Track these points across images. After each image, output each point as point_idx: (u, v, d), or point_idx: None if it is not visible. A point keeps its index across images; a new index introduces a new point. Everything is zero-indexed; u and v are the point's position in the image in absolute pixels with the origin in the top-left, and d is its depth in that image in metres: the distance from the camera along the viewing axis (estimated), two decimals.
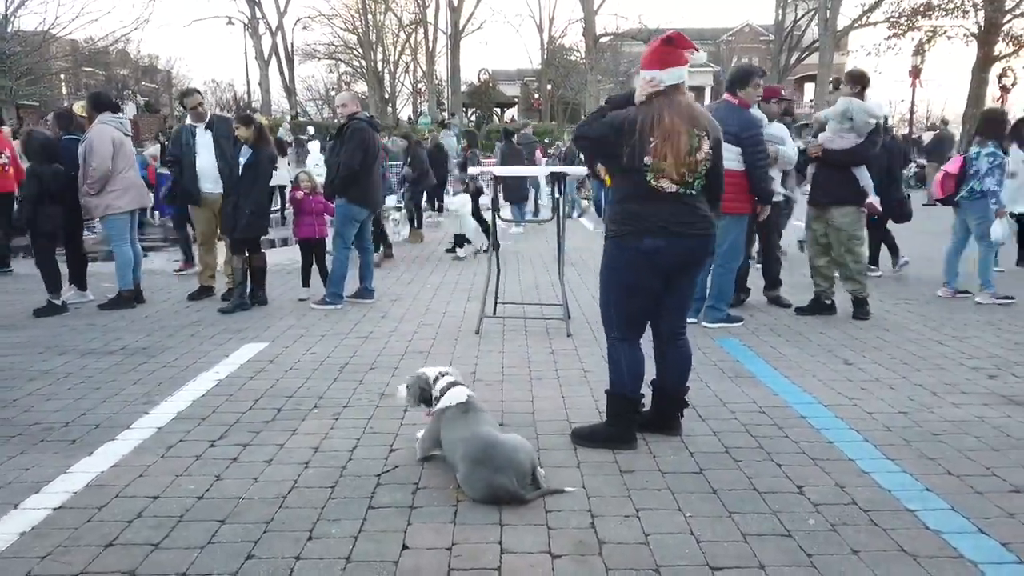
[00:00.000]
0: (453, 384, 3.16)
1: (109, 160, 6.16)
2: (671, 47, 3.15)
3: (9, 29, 24.43)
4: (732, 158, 5.27)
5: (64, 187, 6.20)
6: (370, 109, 43.28)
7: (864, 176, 5.68)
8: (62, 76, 34.51)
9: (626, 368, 3.31)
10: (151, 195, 8.48)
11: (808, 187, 6.12)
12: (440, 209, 11.86)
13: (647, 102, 3.14)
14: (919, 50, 28.30)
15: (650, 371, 3.43)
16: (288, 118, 35.90)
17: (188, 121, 6.75)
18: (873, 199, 5.79)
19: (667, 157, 3.06)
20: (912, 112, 30.43)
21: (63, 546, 2.51)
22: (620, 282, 3.25)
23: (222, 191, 6.42)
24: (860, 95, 5.65)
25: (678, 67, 3.14)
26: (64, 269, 6.58)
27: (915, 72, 27.64)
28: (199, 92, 6.94)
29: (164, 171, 11.18)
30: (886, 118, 6.60)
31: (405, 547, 2.51)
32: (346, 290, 6.53)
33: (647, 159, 3.08)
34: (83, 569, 2.38)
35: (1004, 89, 29.39)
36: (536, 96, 45.79)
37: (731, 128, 5.33)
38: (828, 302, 5.97)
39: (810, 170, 6.05)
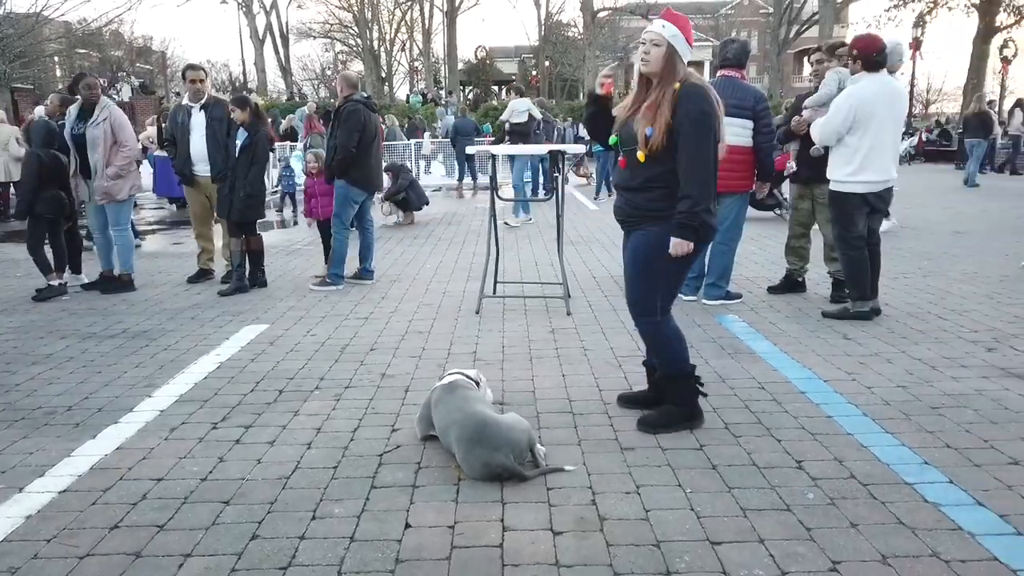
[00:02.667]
0: (451, 374, 3.22)
1: (136, 139, 6.16)
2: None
3: (1, 11, 24.18)
4: (740, 134, 5.26)
5: (61, 171, 6.17)
6: (367, 88, 43.03)
7: None
8: (56, 58, 34.25)
9: (680, 343, 3.29)
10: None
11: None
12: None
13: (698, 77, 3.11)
14: (920, 22, 28.06)
15: (635, 353, 3.43)
16: (284, 98, 35.66)
17: (185, 100, 6.68)
18: None
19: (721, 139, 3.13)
20: (912, 85, 30.16)
21: (69, 529, 2.54)
22: (678, 265, 3.17)
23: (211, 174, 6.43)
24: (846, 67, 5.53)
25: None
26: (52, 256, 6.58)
27: (915, 44, 27.38)
28: (204, 70, 6.85)
29: (160, 153, 11.13)
30: None
31: (408, 526, 2.53)
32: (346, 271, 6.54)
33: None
34: (89, 551, 2.40)
35: (1005, 60, 29.20)
36: (534, 73, 45.44)
37: (747, 102, 5.28)
38: (799, 280, 5.98)
39: (793, 147, 5.93)
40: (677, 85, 3.03)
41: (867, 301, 5.08)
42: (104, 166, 6.06)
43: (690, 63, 3.13)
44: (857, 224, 5.01)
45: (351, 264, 6.61)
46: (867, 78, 4.92)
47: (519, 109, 10.61)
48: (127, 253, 6.43)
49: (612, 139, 3.29)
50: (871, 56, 4.88)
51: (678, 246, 3.07)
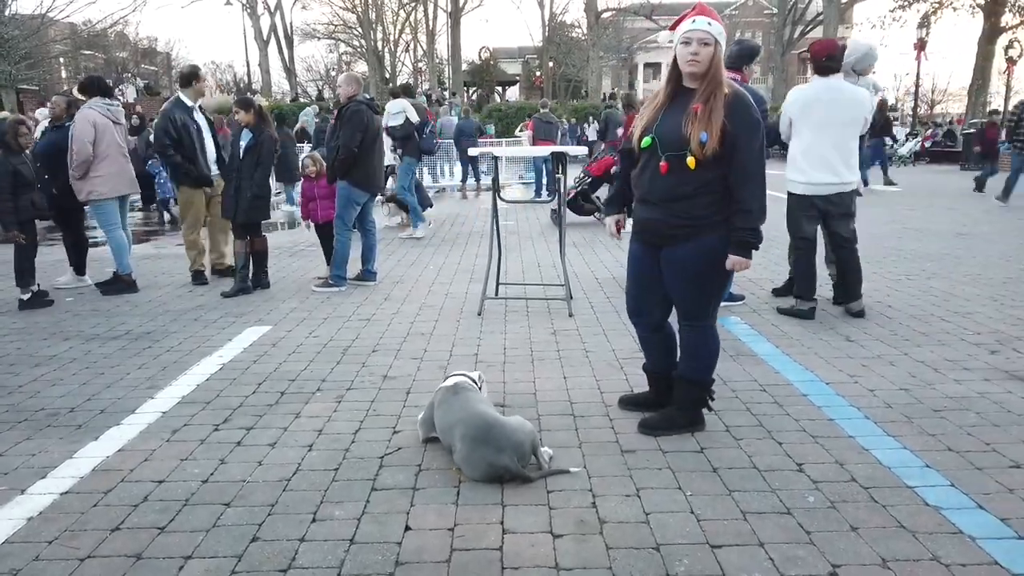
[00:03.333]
0: (454, 376, 3.22)
1: (89, 145, 6.12)
2: None
3: (6, 12, 24.29)
4: None
5: (33, 175, 5.98)
6: (371, 89, 43.08)
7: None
8: (61, 60, 34.39)
9: (718, 351, 3.26)
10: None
11: None
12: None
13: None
14: (924, 22, 27.99)
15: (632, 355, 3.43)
16: (288, 99, 35.72)
17: (188, 101, 6.65)
18: (858, 180, 5.68)
19: None
20: (917, 86, 30.11)
21: (70, 530, 2.55)
22: (726, 273, 3.11)
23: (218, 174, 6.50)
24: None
25: None
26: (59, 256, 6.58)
27: (920, 45, 27.33)
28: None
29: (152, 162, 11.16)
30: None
31: (408, 528, 2.53)
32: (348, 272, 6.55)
33: None
34: (90, 553, 2.41)
35: (1010, 61, 29.11)
36: (538, 74, 45.45)
37: None
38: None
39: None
40: (727, 90, 2.93)
41: (807, 301, 5.21)
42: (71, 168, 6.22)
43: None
44: (801, 225, 5.19)
45: (353, 266, 6.62)
46: (813, 81, 5.14)
47: (393, 111, 9.68)
48: (119, 254, 6.43)
49: (646, 141, 3.06)
50: (819, 60, 5.08)
51: (737, 263, 3.01)
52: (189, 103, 6.64)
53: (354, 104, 6.25)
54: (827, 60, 5.02)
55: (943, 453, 3.04)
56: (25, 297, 5.89)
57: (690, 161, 2.93)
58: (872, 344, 4.56)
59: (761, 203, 2.98)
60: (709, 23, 2.92)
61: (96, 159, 6.20)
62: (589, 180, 10.12)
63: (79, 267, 6.75)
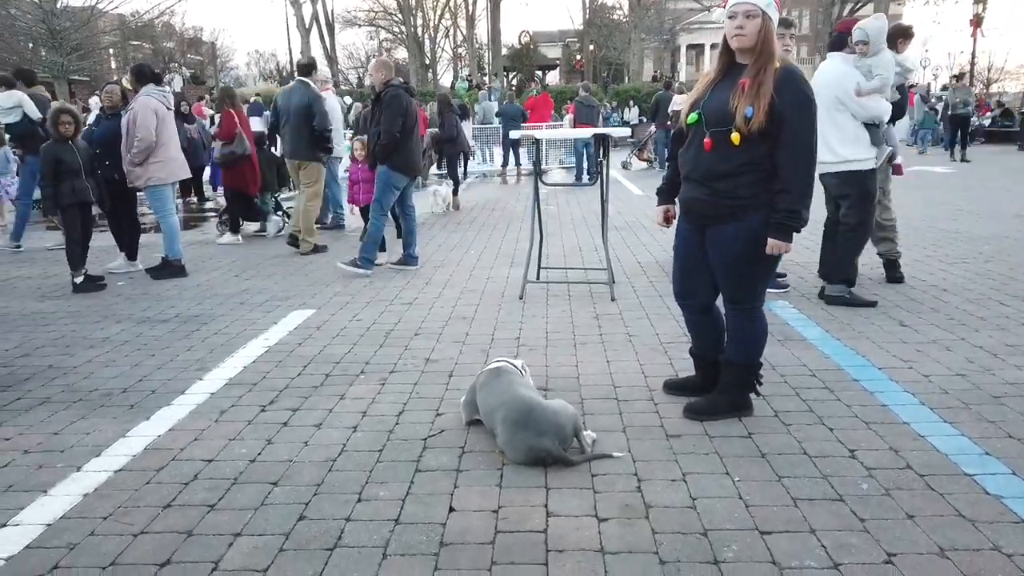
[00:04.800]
0: (497, 361, 3.21)
1: (153, 131, 6.26)
2: None
3: (58, 5, 24.89)
4: None
5: (79, 164, 6.06)
6: (410, 76, 43.18)
7: (891, 132, 5.37)
8: (110, 51, 35.15)
9: (766, 334, 3.18)
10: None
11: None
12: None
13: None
14: None
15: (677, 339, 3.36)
16: (331, 86, 35.98)
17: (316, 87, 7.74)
18: (899, 158, 5.47)
19: None
20: (972, 64, 29.02)
21: (123, 507, 2.60)
22: (774, 256, 3.01)
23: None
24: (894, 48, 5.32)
25: None
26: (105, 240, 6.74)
27: (976, 21, 26.30)
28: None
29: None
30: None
31: (452, 509, 2.53)
32: (390, 256, 6.59)
33: None
34: (143, 529, 2.46)
35: None
36: (578, 57, 45.03)
37: None
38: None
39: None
40: (777, 64, 2.82)
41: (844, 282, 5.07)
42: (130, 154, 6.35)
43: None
44: (825, 207, 5.21)
45: (394, 254, 6.64)
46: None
47: (5, 106, 8.42)
48: (171, 239, 6.57)
49: (692, 117, 3.00)
50: (831, 38, 5.17)
51: (776, 247, 2.91)
52: (315, 87, 7.65)
53: (392, 89, 6.23)
54: (833, 40, 5.16)
55: (1003, 440, 2.93)
56: (78, 281, 6.05)
57: (734, 137, 2.85)
58: (927, 329, 4.41)
59: (804, 185, 2.86)
60: None
61: (156, 145, 6.33)
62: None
63: (131, 252, 6.91)
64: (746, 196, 2.93)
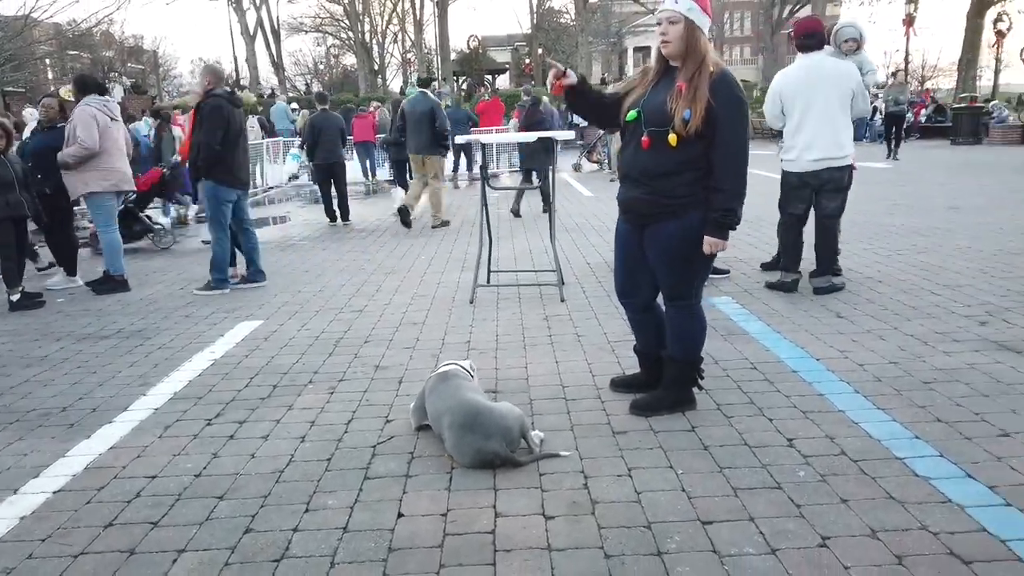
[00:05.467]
0: (446, 365, 3.23)
1: (96, 136, 6.10)
2: None
3: None
4: None
5: (12, 177, 5.88)
6: (359, 81, 42.83)
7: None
8: (47, 60, 34.14)
9: (704, 330, 3.25)
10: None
11: None
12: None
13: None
14: None
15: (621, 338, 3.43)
16: (279, 94, 35.49)
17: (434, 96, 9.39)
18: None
19: None
20: (907, 61, 30.04)
21: (63, 528, 2.55)
22: (711, 254, 3.09)
23: None
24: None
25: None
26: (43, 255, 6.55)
27: (909, 20, 27.26)
28: None
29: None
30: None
31: (401, 515, 2.54)
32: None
33: None
34: (83, 549, 2.41)
35: (999, 34, 29.03)
36: (527, 61, 45.26)
37: None
38: None
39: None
40: (712, 68, 2.91)
41: (791, 273, 5.32)
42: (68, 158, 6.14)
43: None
44: (792, 202, 5.27)
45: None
46: (796, 60, 5.21)
47: None
48: (111, 253, 6.41)
49: (631, 115, 3.08)
50: (800, 39, 5.15)
51: (712, 245, 3.00)
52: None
53: (213, 99, 5.99)
54: (806, 38, 5.09)
55: (932, 424, 3.05)
56: (14, 299, 5.87)
57: (671, 138, 2.93)
58: (862, 319, 4.57)
59: (737, 183, 2.96)
60: (676, 1, 2.94)
61: (98, 153, 6.16)
62: (134, 197, 8.41)
63: (70, 268, 6.73)
64: (684, 195, 3.00)
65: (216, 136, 5.91)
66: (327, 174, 10.33)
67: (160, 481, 2.87)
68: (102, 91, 6.62)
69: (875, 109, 20.91)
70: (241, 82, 40.28)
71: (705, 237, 3.00)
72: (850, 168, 5.15)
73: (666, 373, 3.31)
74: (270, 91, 37.13)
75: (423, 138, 9.36)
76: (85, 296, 6.30)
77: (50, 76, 36.26)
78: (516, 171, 17.61)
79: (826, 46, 5.23)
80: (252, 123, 16.78)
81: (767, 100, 5.27)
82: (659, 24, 2.99)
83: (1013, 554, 2.17)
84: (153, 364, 4.35)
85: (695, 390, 3.34)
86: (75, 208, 6.75)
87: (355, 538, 2.42)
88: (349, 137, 14.19)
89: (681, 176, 2.99)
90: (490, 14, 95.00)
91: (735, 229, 3.04)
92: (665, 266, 3.15)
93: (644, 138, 3.02)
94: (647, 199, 3.08)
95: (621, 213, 3.29)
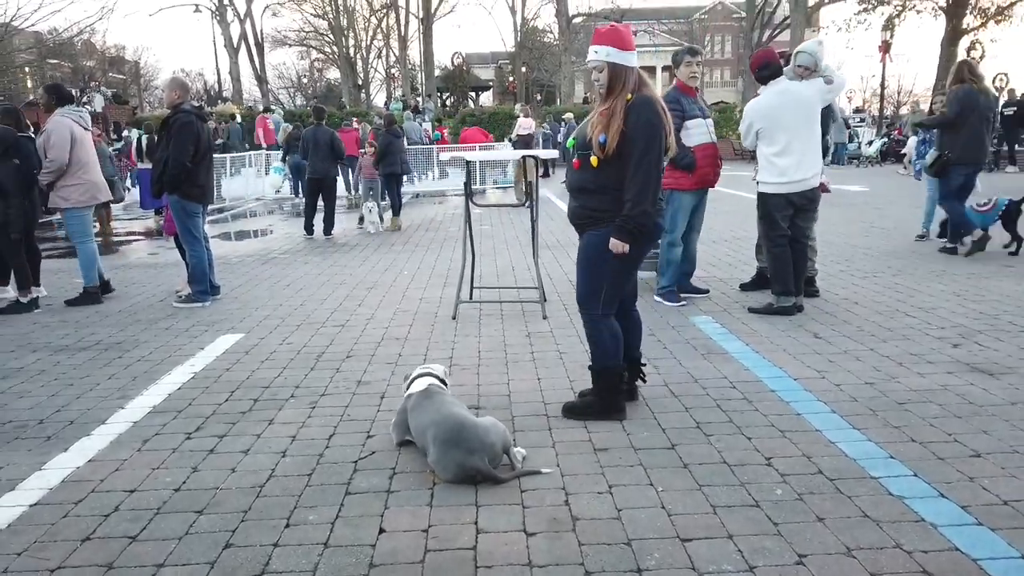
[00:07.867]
0: (421, 376, 3.25)
1: (67, 153, 6.06)
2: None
3: None
4: (704, 133, 5.58)
5: (24, 182, 6.00)
6: (343, 95, 42.86)
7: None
8: (27, 69, 33.82)
9: (613, 341, 3.43)
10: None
11: None
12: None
13: (647, 86, 3.31)
14: (889, 24, 28.54)
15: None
16: (260, 107, 35.44)
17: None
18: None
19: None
20: (883, 87, 30.65)
21: (39, 542, 2.52)
22: (622, 265, 3.33)
23: None
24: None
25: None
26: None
27: (885, 47, 27.86)
28: None
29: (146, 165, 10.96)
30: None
31: (382, 531, 2.54)
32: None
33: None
34: (60, 564, 2.39)
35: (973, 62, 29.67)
36: (511, 79, 45.54)
37: (696, 109, 5.61)
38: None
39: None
40: (629, 96, 3.21)
41: (790, 296, 5.31)
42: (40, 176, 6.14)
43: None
44: (780, 223, 5.30)
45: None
46: (763, 91, 5.31)
47: None
48: (87, 266, 6.35)
49: (570, 141, 3.45)
50: (756, 72, 5.31)
51: (615, 246, 3.26)
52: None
53: (183, 115, 5.99)
54: (761, 70, 5.28)
55: (906, 444, 3.11)
56: None
57: (593, 160, 3.25)
58: (839, 340, 4.65)
59: (640, 195, 3.19)
60: (596, 51, 3.28)
61: (72, 167, 6.12)
62: None
63: (34, 278, 6.59)
64: (600, 210, 3.31)
65: (187, 152, 5.94)
66: (318, 188, 10.39)
67: (139, 495, 2.84)
68: (72, 100, 6.61)
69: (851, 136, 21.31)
70: (224, 94, 40.17)
71: (611, 238, 3.25)
72: (823, 188, 5.33)
73: (592, 382, 3.53)
74: (265, 104, 37.13)
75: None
76: (62, 307, 6.23)
77: (29, 84, 35.92)
78: (503, 187, 17.72)
79: (785, 68, 5.40)
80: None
81: (743, 132, 5.42)
82: (592, 71, 3.34)
83: (984, 573, 2.21)
84: (132, 376, 4.31)
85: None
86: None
87: (336, 554, 2.41)
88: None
89: (605, 193, 3.29)
90: (474, 32, 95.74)
91: (636, 236, 3.23)
92: (580, 271, 3.45)
93: (575, 160, 3.38)
94: (576, 211, 3.45)
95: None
